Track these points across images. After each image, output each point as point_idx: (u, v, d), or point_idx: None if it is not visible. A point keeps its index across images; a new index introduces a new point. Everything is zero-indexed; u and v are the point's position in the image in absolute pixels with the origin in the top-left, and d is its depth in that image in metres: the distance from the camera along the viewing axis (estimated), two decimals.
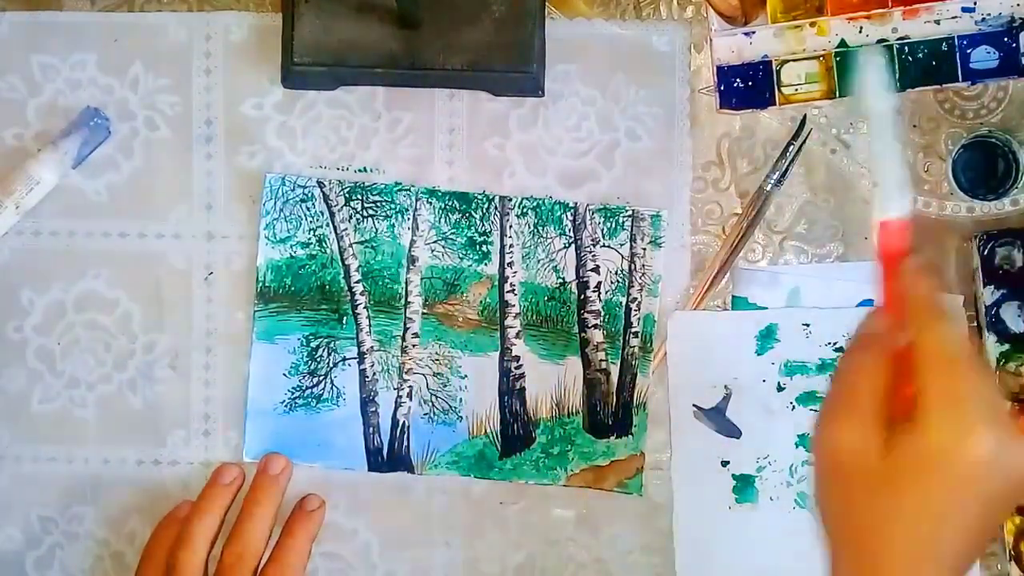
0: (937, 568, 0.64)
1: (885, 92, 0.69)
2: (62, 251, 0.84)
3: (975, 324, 0.81)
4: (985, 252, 0.81)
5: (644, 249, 0.82)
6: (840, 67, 0.81)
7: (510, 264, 0.83)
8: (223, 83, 0.84)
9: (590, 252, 0.83)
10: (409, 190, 0.83)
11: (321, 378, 0.83)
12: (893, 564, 0.65)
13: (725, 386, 0.82)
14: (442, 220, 0.83)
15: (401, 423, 0.83)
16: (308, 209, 0.82)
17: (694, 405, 0.82)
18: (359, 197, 0.83)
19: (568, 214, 0.83)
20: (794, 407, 0.82)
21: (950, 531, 0.65)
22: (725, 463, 0.82)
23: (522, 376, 0.83)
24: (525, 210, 0.83)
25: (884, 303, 0.67)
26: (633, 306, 0.82)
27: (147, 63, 0.84)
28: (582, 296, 0.83)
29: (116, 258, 0.84)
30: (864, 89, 0.69)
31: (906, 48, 0.81)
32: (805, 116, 0.82)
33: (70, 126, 0.83)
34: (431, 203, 0.83)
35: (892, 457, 0.66)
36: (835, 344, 0.81)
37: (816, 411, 0.81)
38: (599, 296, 0.82)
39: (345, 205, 0.83)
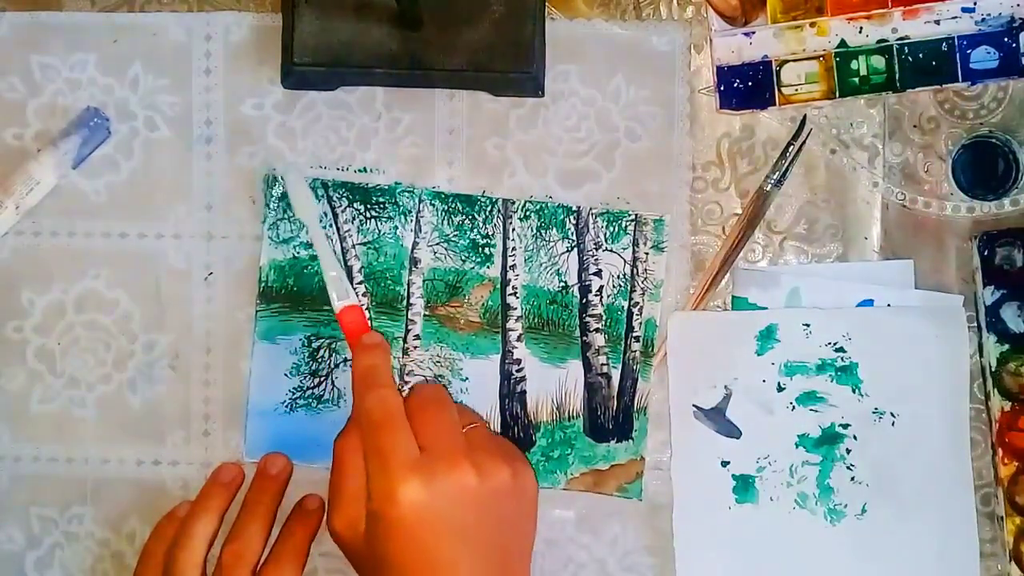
0: None
1: (310, 201, 0.81)
2: (62, 251, 0.84)
3: (975, 324, 0.82)
4: (985, 252, 0.81)
5: (647, 254, 0.82)
6: (840, 67, 0.81)
7: (512, 267, 0.83)
8: (223, 83, 0.84)
9: (592, 256, 0.82)
10: (412, 192, 0.83)
11: (322, 379, 0.83)
12: None
13: (725, 386, 0.82)
14: (445, 222, 0.83)
15: None
16: None
17: (694, 405, 0.82)
18: (362, 199, 0.83)
19: (571, 218, 0.83)
20: (794, 407, 0.82)
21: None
22: (725, 463, 0.82)
23: (523, 379, 0.83)
24: (528, 213, 0.83)
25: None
26: (635, 310, 0.82)
27: (147, 63, 0.84)
28: (584, 300, 0.82)
29: (116, 258, 0.84)
30: (293, 201, 0.81)
31: (906, 48, 0.81)
32: (805, 116, 0.82)
33: (70, 126, 0.83)
34: (434, 205, 0.83)
35: (367, 532, 0.72)
36: (835, 344, 0.82)
37: (816, 411, 0.82)
38: (601, 300, 0.82)
39: (348, 206, 0.83)
